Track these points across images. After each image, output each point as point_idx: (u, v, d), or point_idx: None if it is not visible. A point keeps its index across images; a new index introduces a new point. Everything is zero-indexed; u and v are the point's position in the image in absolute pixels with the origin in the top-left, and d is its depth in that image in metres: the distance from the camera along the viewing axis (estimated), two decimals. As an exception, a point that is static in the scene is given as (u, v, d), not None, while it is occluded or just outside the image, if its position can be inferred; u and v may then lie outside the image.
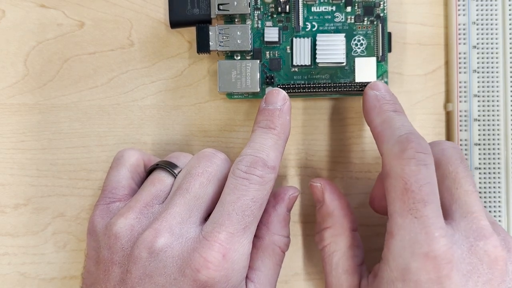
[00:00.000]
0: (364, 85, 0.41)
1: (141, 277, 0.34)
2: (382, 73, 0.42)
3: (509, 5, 0.43)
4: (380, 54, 0.42)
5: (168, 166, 0.39)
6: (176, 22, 0.42)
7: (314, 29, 0.42)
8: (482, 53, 0.43)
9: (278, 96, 0.39)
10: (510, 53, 0.43)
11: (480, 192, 0.43)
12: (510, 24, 0.43)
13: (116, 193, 0.39)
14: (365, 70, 0.42)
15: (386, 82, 0.42)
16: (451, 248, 0.33)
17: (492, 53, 0.43)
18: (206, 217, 0.37)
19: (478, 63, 0.43)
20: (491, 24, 0.43)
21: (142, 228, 0.36)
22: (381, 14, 0.42)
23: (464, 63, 0.43)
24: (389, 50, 0.42)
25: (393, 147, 0.35)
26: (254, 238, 0.39)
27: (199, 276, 0.34)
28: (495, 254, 0.34)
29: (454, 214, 0.35)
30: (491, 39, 0.43)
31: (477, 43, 0.43)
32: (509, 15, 0.43)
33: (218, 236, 0.34)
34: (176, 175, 0.39)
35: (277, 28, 0.42)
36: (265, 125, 0.39)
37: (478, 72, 0.43)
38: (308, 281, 0.45)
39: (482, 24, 0.43)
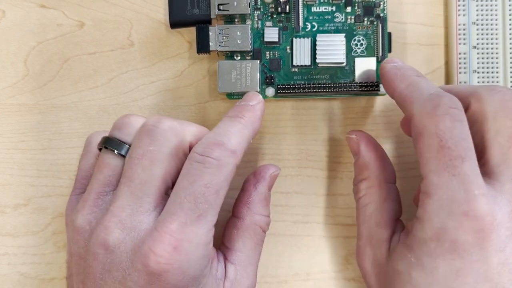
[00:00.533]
0: (364, 85, 0.41)
1: (101, 272, 0.34)
2: (382, 73, 0.42)
3: (509, 5, 0.43)
4: (380, 54, 0.42)
5: (107, 145, 0.37)
6: (176, 22, 0.42)
7: (314, 29, 0.42)
8: (482, 53, 0.43)
9: (254, 96, 0.39)
10: (510, 53, 0.43)
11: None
12: (510, 24, 0.43)
13: (84, 183, 0.38)
14: (365, 70, 0.42)
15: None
16: (492, 209, 0.31)
17: (492, 53, 0.43)
18: (160, 200, 0.35)
19: (478, 63, 0.43)
20: (491, 24, 0.43)
21: (96, 222, 0.35)
22: (381, 14, 0.42)
23: (464, 63, 0.43)
24: (389, 50, 0.42)
25: (425, 105, 0.33)
26: (234, 219, 0.39)
27: (150, 269, 0.32)
28: None
29: (500, 175, 0.33)
30: (491, 39, 0.43)
31: (477, 43, 0.43)
32: (509, 15, 0.43)
33: (169, 227, 0.32)
34: (119, 152, 0.37)
35: (277, 28, 0.42)
36: (233, 114, 0.38)
37: (478, 72, 0.43)
38: (308, 281, 0.45)
39: (482, 24, 0.43)
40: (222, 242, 0.40)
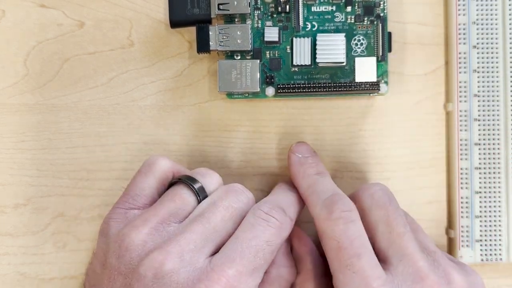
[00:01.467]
0: (364, 84, 0.41)
1: None
2: (382, 73, 0.42)
3: (509, 4, 0.43)
4: (380, 54, 0.42)
5: (191, 183, 0.38)
6: (176, 22, 0.42)
7: (314, 29, 0.42)
8: (482, 53, 0.43)
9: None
10: (510, 53, 0.43)
11: (480, 192, 0.43)
12: (510, 24, 0.43)
13: (137, 200, 0.38)
14: (365, 70, 0.42)
15: (386, 82, 0.43)
16: None
17: (492, 52, 0.43)
18: (216, 251, 0.36)
19: (478, 63, 0.43)
20: (491, 24, 0.43)
21: (153, 245, 0.35)
22: (381, 14, 0.42)
23: (464, 63, 0.43)
24: (389, 50, 0.42)
25: (321, 211, 0.37)
26: None
27: None
28: None
29: (391, 259, 0.37)
30: (491, 38, 0.43)
31: (477, 43, 0.43)
32: (509, 14, 0.43)
33: (227, 271, 0.34)
34: (198, 193, 0.38)
35: (277, 28, 0.42)
36: (287, 187, 0.41)
37: (478, 72, 0.43)
38: (308, 281, 0.45)
39: (482, 24, 0.43)
40: None
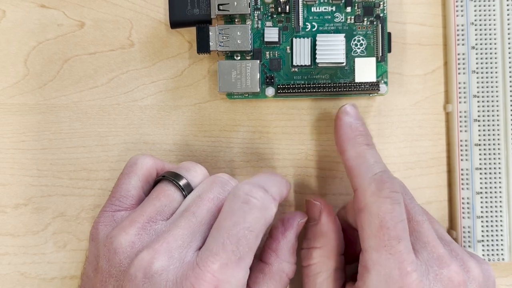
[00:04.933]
0: (364, 85, 0.41)
1: None
2: (382, 73, 0.42)
3: (507, 5, 0.43)
4: (380, 54, 0.42)
5: (175, 179, 0.38)
6: (176, 22, 0.42)
7: (314, 29, 0.42)
8: (481, 53, 0.43)
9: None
10: (509, 53, 0.43)
11: (480, 193, 0.43)
12: (508, 24, 0.43)
13: (123, 202, 0.39)
14: (365, 70, 0.42)
15: (386, 83, 0.43)
16: (421, 282, 0.35)
17: (491, 53, 0.43)
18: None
19: (477, 63, 0.43)
20: (489, 25, 0.43)
21: (142, 245, 0.35)
22: (381, 14, 0.42)
23: (463, 63, 0.43)
24: (389, 50, 0.42)
25: (370, 185, 0.37)
26: (262, 264, 0.39)
27: None
28: (458, 279, 0.36)
29: (414, 245, 0.37)
30: (490, 39, 0.43)
31: (476, 44, 0.43)
32: (508, 15, 0.43)
33: (211, 267, 0.33)
34: (183, 189, 0.38)
35: (277, 28, 0.42)
36: (269, 171, 0.41)
37: (477, 73, 0.43)
38: (308, 281, 0.45)
39: (480, 25, 0.43)
40: (247, 284, 0.39)
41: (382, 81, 0.43)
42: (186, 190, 0.38)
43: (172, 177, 0.38)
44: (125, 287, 0.34)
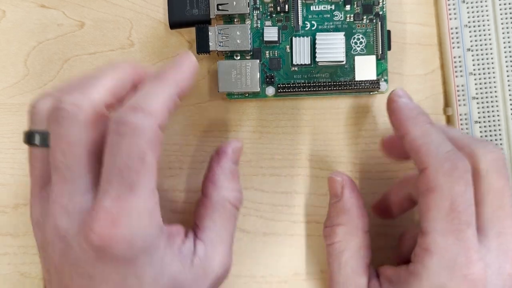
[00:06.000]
0: (364, 83, 0.41)
1: (59, 259, 0.34)
2: (381, 71, 0.42)
3: (500, 4, 0.43)
4: (380, 52, 0.42)
5: (29, 140, 0.35)
6: (175, 22, 0.43)
7: (313, 28, 0.43)
8: (477, 55, 0.43)
9: (182, 55, 0.36)
10: (505, 52, 0.43)
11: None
12: (502, 23, 0.43)
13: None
14: (365, 68, 0.42)
15: (386, 80, 0.43)
16: (486, 272, 0.34)
17: (487, 54, 0.43)
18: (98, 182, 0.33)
19: (474, 65, 0.43)
20: (483, 26, 0.43)
21: (46, 213, 0.34)
22: (380, 12, 0.42)
23: (460, 66, 0.43)
24: (389, 48, 0.42)
25: (442, 164, 0.35)
26: (203, 197, 0.39)
27: (95, 247, 0.32)
28: None
29: (489, 231, 0.35)
30: (485, 40, 0.43)
31: (471, 46, 0.43)
32: (500, 14, 0.43)
33: (102, 205, 0.31)
34: (44, 144, 0.34)
35: (277, 27, 0.42)
36: (155, 76, 0.35)
37: (474, 75, 0.43)
38: (308, 281, 0.45)
39: (474, 27, 0.43)
40: (194, 221, 0.39)
41: (382, 79, 0.43)
42: (40, 141, 0.35)
43: (26, 140, 0.35)
44: (52, 255, 0.34)
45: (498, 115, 0.43)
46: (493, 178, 0.36)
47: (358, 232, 0.39)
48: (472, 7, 0.43)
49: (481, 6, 0.43)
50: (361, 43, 0.42)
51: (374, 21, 0.42)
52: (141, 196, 0.32)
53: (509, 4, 0.43)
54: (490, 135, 0.43)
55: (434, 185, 0.35)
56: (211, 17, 0.41)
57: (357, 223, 0.40)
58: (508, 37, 0.43)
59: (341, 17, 0.42)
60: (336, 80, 0.42)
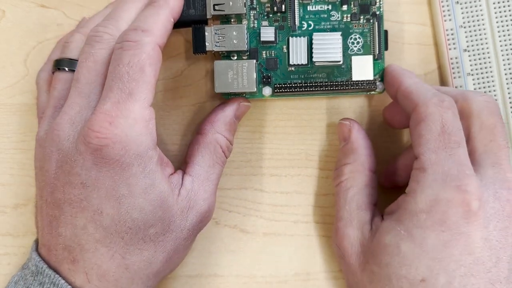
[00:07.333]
0: (361, 83, 0.41)
1: (55, 171, 0.36)
2: (379, 71, 0.42)
3: (493, 3, 0.43)
4: (377, 52, 0.42)
5: (60, 64, 0.40)
6: (173, 23, 0.42)
7: (310, 28, 0.42)
8: (474, 55, 0.43)
9: None
10: (501, 51, 0.43)
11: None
12: (497, 22, 0.43)
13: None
14: (362, 68, 0.42)
15: (383, 81, 0.42)
16: (480, 188, 0.35)
17: (483, 53, 0.43)
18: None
19: (471, 65, 0.43)
20: (479, 26, 0.43)
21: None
22: (377, 12, 0.42)
23: (457, 67, 0.43)
24: (386, 48, 0.42)
25: (432, 98, 0.37)
26: (198, 135, 0.41)
27: (91, 146, 0.34)
28: None
29: (483, 162, 0.37)
30: (481, 39, 0.43)
31: (467, 46, 0.43)
32: (495, 13, 0.43)
33: (102, 108, 0.35)
34: (67, 68, 0.40)
35: (273, 27, 0.42)
36: (149, 2, 0.39)
37: (472, 75, 0.43)
38: (308, 281, 0.44)
39: (469, 27, 0.43)
40: (184, 160, 0.41)
41: (379, 79, 0.42)
42: (70, 66, 0.40)
43: (55, 67, 0.40)
44: (48, 169, 0.37)
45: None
46: (484, 116, 0.38)
47: (365, 171, 0.41)
48: (466, 8, 0.43)
49: (475, 7, 0.43)
50: (358, 43, 0.42)
51: (371, 21, 0.42)
52: (138, 103, 0.35)
53: (503, 3, 0.43)
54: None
55: (425, 115, 0.37)
56: (207, 17, 0.41)
57: (364, 161, 0.41)
58: (504, 37, 0.43)
59: (338, 17, 0.42)
60: (333, 80, 0.42)
